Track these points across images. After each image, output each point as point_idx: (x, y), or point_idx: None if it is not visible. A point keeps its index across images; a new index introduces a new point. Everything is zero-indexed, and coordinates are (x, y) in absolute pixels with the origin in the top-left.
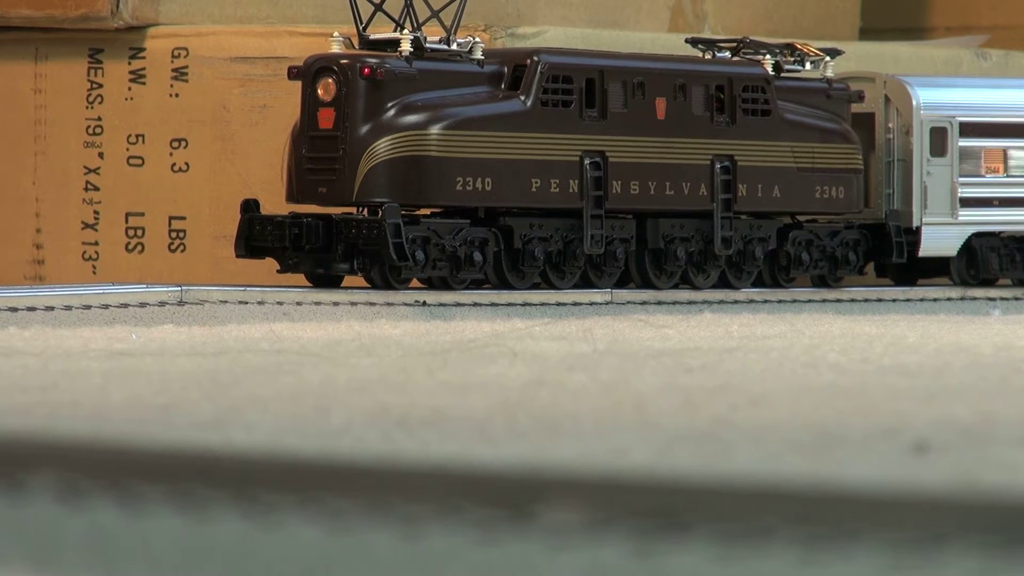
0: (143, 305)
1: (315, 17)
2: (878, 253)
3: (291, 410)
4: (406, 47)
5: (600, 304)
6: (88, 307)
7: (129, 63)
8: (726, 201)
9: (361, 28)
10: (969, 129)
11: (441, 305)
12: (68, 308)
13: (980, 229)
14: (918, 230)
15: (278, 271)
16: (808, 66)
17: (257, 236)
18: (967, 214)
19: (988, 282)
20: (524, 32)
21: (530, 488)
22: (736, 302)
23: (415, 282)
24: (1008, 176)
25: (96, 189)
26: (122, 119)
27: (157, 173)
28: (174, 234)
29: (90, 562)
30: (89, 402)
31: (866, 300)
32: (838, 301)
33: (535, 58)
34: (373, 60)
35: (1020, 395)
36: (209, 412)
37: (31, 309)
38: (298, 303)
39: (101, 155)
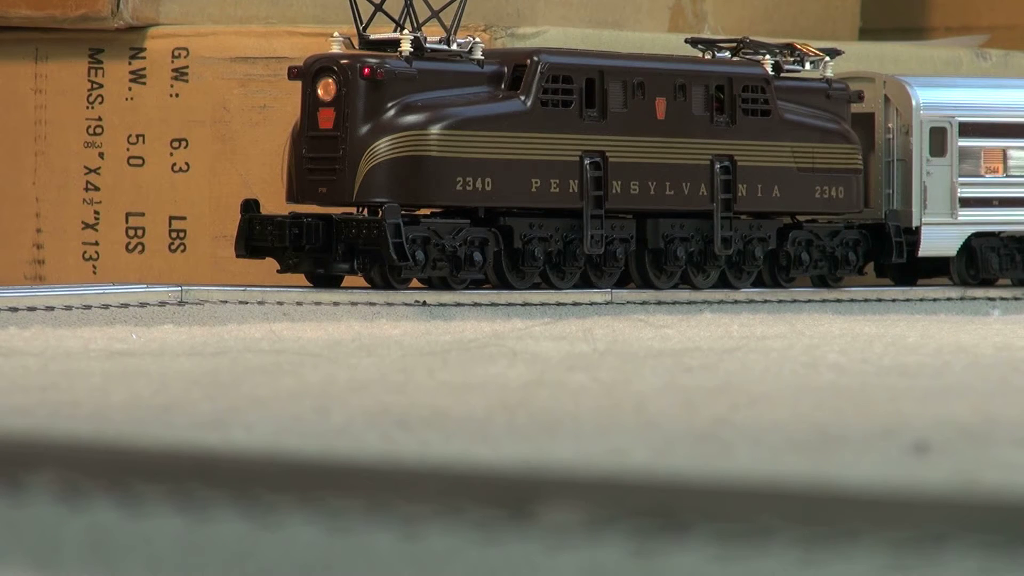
0: (143, 305)
1: (315, 17)
2: (878, 253)
3: (291, 410)
4: (406, 47)
5: (600, 304)
6: (88, 307)
7: (129, 63)
8: (726, 201)
9: (361, 28)
10: (969, 129)
11: (441, 305)
12: (68, 308)
13: (980, 229)
14: (918, 230)
15: (278, 271)
16: (808, 66)
17: (257, 236)
18: (967, 214)
19: (988, 282)
20: (524, 32)
21: (530, 488)
22: (736, 302)
23: (415, 282)
24: (1008, 176)
25: (96, 189)
26: (122, 119)
27: (157, 173)
28: (174, 234)
29: (90, 562)
30: (89, 402)
31: (866, 300)
32: (838, 301)
33: (535, 58)
34: (373, 60)
35: (1020, 395)
36: (209, 412)
37: (31, 309)
38: (298, 303)
39: (101, 155)
